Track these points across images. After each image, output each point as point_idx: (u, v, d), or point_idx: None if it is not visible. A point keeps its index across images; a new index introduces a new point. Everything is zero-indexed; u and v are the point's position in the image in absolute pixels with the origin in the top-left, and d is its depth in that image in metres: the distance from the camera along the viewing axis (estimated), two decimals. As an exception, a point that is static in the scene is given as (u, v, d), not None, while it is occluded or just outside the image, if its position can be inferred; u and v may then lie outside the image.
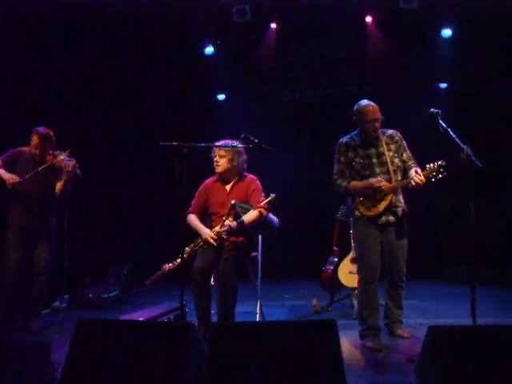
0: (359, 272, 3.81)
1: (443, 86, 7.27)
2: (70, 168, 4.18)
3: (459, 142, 3.10)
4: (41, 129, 4.30)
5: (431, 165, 3.47)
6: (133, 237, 6.46)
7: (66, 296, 5.35)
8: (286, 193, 6.20)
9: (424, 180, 3.46)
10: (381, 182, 3.63)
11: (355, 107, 3.80)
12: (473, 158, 2.98)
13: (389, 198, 3.67)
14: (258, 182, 4.08)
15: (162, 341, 2.38)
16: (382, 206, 3.68)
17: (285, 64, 7.34)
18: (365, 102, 3.80)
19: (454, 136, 3.17)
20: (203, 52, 7.02)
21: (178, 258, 3.85)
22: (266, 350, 2.35)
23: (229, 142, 3.87)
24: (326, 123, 7.13)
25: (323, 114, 7.26)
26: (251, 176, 4.11)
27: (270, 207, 3.98)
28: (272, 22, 6.83)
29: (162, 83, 6.85)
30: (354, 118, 3.79)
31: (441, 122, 3.31)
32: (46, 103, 5.44)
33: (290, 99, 7.46)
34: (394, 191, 3.68)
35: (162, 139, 3.33)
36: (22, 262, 4.31)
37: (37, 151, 4.26)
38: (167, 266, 3.89)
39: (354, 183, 3.74)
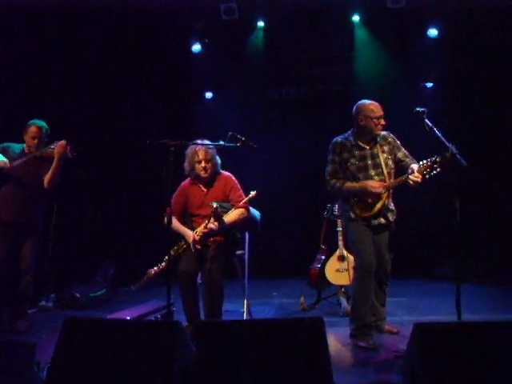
0: (356, 270, 3.80)
1: (429, 85, 7.32)
2: (60, 148, 4.10)
3: (444, 140, 3.13)
4: (37, 120, 4.30)
5: (424, 161, 3.48)
6: (119, 236, 6.41)
7: (52, 295, 5.32)
8: (274, 191, 6.27)
9: (420, 177, 3.47)
10: (377, 187, 3.62)
11: (357, 106, 3.78)
12: (458, 156, 3.01)
13: (384, 198, 3.68)
14: (234, 179, 4.03)
15: (149, 340, 2.37)
16: (376, 208, 3.69)
17: (272, 62, 7.32)
18: (367, 100, 3.79)
19: (439, 135, 3.19)
20: (190, 50, 6.98)
21: (162, 261, 3.83)
22: (253, 348, 2.35)
23: (207, 141, 3.83)
24: (313, 121, 7.17)
25: (311, 111, 7.28)
26: (226, 173, 4.05)
27: (250, 204, 3.98)
28: (259, 19, 6.78)
29: (149, 81, 6.81)
30: (356, 116, 3.75)
31: (426, 120, 3.34)
32: (31, 101, 5.37)
33: (277, 97, 7.46)
34: (389, 190, 3.70)
35: (149, 137, 3.32)
36: (6, 259, 4.24)
37: (34, 141, 4.22)
38: (152, 271, 3.87)
39: (350, 185, 3.71)
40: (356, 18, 6.70)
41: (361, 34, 6.92)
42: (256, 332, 2.41)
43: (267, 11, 6.75)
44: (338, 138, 3.86)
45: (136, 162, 6.61)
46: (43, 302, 5.19)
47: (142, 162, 6.42)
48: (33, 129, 4.25)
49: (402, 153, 3.84)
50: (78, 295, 5.23)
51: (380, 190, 3.63)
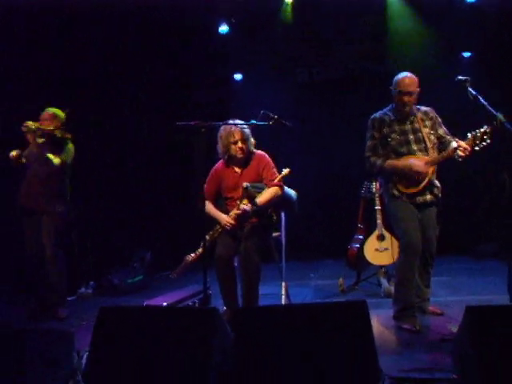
0: (401, 250, 3.65)
1: (467, 55, 6.98)
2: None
3: (491, 109, 2.93)
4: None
5: (474, 132, 3.29)
6: (154, 222, 6.41)
7: (91, 282, 5.38)
8: (308, 171, 6.12)
9: (469, 149, 3.29)
10: (421, 166, 3.47)
11: (394, 79, 3.66)
12: (507, 125, 2.81)
13: (430, 173, 3.52)
14: (268, 158, 3.91)
15: (186, 326, 2.31)
16: (422, 184, 3.53)
17: (302, 41, 7.12)
18: (404, 73, 3.64)
19: (485, 103, 3.00)
20: (218, 31, 6.84)
21: (199, 247, 3.78)
22: (294, 334, 2.27)
23: (239, 121, 3.73)
24: (345, 100, 6.95)
25: (344, 91, 7.06)
26: (259, 152, 3.93)
27: (284, 182, 3.85)
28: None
29: (176, 63, 6.73)
30: (391, 89, 3.65)
31: (470, 89, 3.16)
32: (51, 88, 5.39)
33: (307, 77, 7.26)
34: (436, 164, 3.53)
35: (178, 120, 3.24)
36: (32, 247, 4.28)
37: (45, 122, 4.20)
38: (190, 257, 3.82)
39: (392, 162, 3.57)
40: (388, -13, 6.40)
41: (394, 5, 6.64)
42: (296, 318, 2.32)
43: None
44: (377, 114, 3.75)
45: (167, 145, 6.56)
46: (82, 290, 5.26)
47: (173, 145, 6.37)
48: (46, 114, 4.26)
49: (442, 130, 3.70)
50: (116, 282, 5.28)
51: (425, 169, 3.47)
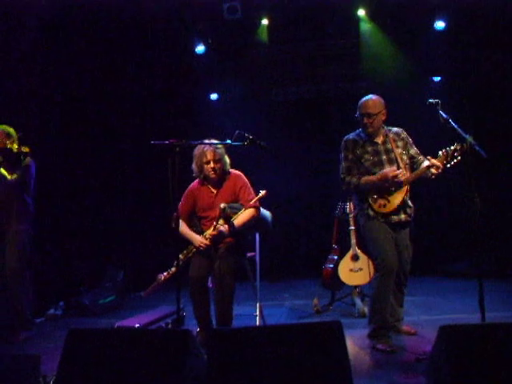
0: (377, 270, 3.65)
1: (437, 79, 7.17)
2: None
3: (461, 131, 3.00)
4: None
5: (445, 150, 3.37)
6: (127, 241, 6.32)
7: (60, 303, 5.24)
8: (282, 191, 6.14)
9: (441, 166, 3.36)
10: (396, 172, 3.50)
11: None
12: (477, 147, 2.88)
13: (403, 192, 3.57)
14: (244, 178, 3.90)
15: (158, 349, 2.26)
16: (396, 202, 3.57)
17: (277, 61, 7.20)
18: (367, 96, 3.73)
19: (455, 126, 3.07)
20: (194, 51, 6.88)
21: (172, 266, 3.72)
22: (269, 355, 2.23)
23: (215, 141, 3.73)
24: (320, 120, 7.05)
25: (317, 111, 7.16)
26: (235, 172, 3.92)
27: (261, 204, 3.85)
28: (263, 18, 6.66)
29: (152, 82, 6.72)
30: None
31: (441, 112, 3.22)
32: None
33: (282, 97, 7.34)
34: (409, 183, 3.58)
35: (153, 139, 3.22)
36: None
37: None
38: (162, 276, 3.76)
39: (367, 178, 3.60)
40: (361, 12, 6.55)
41: (366, 29, 6.79)
42: (271, 339, 2.29)
43: (270, 9, 6.63)
44: (350, 136, 3.80)
45: (141, 164, 6.51)
46: (51, 311, 5.12)
47: (148, 164, 6.32)
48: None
49: (414, 150, 3.77)
50: (86, 302, 5.14)
51: (401, 176, 3.50)
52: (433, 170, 3.39)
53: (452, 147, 3.31)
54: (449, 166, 3.33)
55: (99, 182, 6.17)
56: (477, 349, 2.00)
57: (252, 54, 6.99)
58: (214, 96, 7.45)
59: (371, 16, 6.62)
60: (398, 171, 3.51)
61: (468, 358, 1.98)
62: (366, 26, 6.75)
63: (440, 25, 6.59)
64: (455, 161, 3.30)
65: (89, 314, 5.08)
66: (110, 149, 6.27)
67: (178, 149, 3.05)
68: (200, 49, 6.89)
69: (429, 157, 3.46)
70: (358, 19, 6.68)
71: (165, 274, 3.72)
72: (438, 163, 3.36)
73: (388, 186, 3.55)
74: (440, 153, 3.39)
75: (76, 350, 2.35)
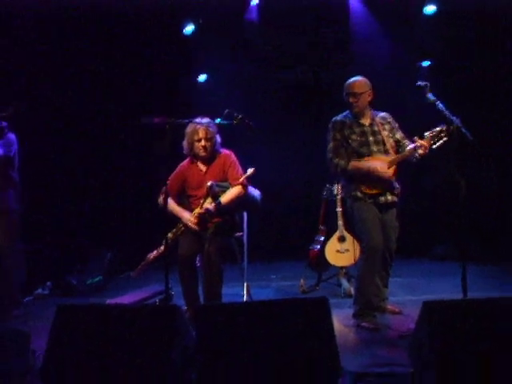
0: (363, 250, 3.74)
1: (426, 64, 7.17)
2: None
3: (449, 113, 3.04)
4: None
5: (431, 131, 3.41)
6: (115, 221, 6.30)
7: (48, 283, 5.24)
8: (271, 172, 6.14)
9: (427, 147, 3.41)
10: (384, 168, 3.57)
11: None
12: (463, 129, 2.92)
13: (391, 174, 3.61)
14: (234, 157, 3.92)
15: (147, 324, 2.29)
16: (384, 184, 3.63)
17: (269, 44, 7.15)
18: (353, 78, 3.80)
19: (443, 108, 3.11)
20: (183, 31, 6.79)
21: (161, 245, 3.75)
22: (256, 331, 2.28)
23: (207, 119, 3.74)
24: (310, 103, 7.03)
25: (307, 94, 7.14)
26: (226, 151, 3.94)
27: (249, 182, 3.87)
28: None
29: (142, 62, 6.64)
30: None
31: (429, 94, 3.26)
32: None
33: (275, 79, 7.29)
34: (395, 164, 3.62)
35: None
36: None
37: None
38: (151, 255, 3.80)
39: (355, 164, 3.65)
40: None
41: (357, 13, 6.76)
42: (258, 314, 2.33)
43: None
44: (337, 117, 3.85)
45: (129, 143, 6.46)
46: (39, 290, 5.12)
47: (136, 142, 6.28)
48: None
49: (400, 134, 3.83)
50: (74, 282, 5.16)
51: (387, 171, 3.57)
52: (419, 151, 3.45)
53: (438, 128, 3.36)
54: (435, 146, 3.38)
55: (86, 162, 6.13)
56: (459, 324, 2.06)
57: (243, 34, 6.93)
58: (202, 77, 7.39)
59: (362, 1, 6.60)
60: (385, 168, 3.56)
61: (450, 332, 2.04)
62: (356, 10, 6.74)
63: (430, 9, 6.60)
64: (441, 142, 3.35)
65: (76, 293, 5.09)
66: (96, 128, 6.22)
67: (167, 126, 3.05)
68: (189, 29, 6.82)
69: (415, 137, 3.51)
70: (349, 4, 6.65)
71: (154, 252, 3.75)
72: (425, 143, 3.41)
73: (372, 178, 3.61)
74: (426, 134, 3.44)
75: (65, 326, 2.37)
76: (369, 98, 3.74)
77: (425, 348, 2.07)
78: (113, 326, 2.31)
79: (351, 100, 3.70)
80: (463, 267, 2.93)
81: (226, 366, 2.18)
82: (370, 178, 3.62)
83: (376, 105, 3.93)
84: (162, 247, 3.69)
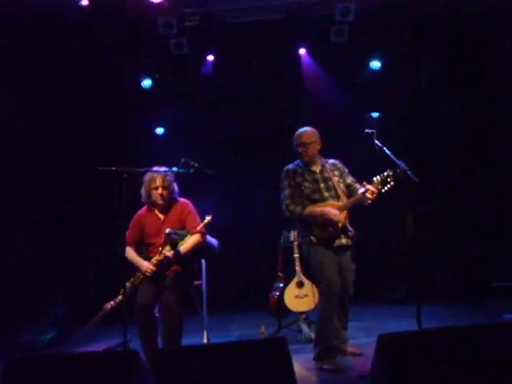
0: (321, 293, 3.81)
1: (375, 115, 7.53)
2: None
3: (395, 158, 3.22)
4: None
5: (378, 177, 3.60)
6: (71, 272, 6.13)
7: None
8: (227, 220, 6.19)
9: (376, 191, 3.58)
10: (337, 214, 3.69)
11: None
12: (409, 172, 3.10)
13: (343, 217, 3.74)
14: (191, 206, 3.99)
15: (105, 371, 2.24)
16: (337, 228, 3.74)
17: (223, 97, 7.37)
18: (302, 128, 3.98)
19: (389, 153, 3.30)
20: (141, 85, 6.95)
21: (119, 294, 3.70)
22: (216, 373, 2.26)
23: (165, 168, 3.82)
24: (265, 154, 7.19)
25: (263, 144, 7.33)
26: (183, 200, 4.01)
27: (207, 230, 3.92)
28: (209, 54, 6.86)
29: (100, 115, 6.71)
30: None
31: (376, 141, 3.45)
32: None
33: (228, 132, 7.48)
34: (347, 208, 3.76)
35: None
36: None
37: None
38: (109, 305, 3.74)
39: (310, 210, 3.77)
40: (302, 50, 6.88)
41: (308, 67, 7.11)
42: (217, 357, 2.32)
43: (217, 47, 6.86)
44: (289, 166, 4.01)
45: (86, 190, 6.40)
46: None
47: (93, 190, 6.24)
48: None
49: (350, 179, 4.00)
50: (26, 338, 4.95)
51: (339, 216, 3.71)
52: (368, 195, 3.61)
53: (385, 173, 3.56)
54: (383, 191, 3.56)
55: (42, 212, 6.02)
56: (414, 354, 2.12)
57: (197, 88, 7.14)
58: (160, 130, 7.51)
59: (313, 55, 6.96)
60: (338, 215, 3.70)
61: (406, 363, 2.10)
62: (308, 64, 7.09)
63: (376, 64, 7.03)
64: (389, 186, 3.54)
65: (28, 350, 4.88)
66: (54, 178, 6.17)
67: (125, 175, 3.09)
68: (147, 83, 6.99)
69: (364, 182, 3.68)
70: (300, 57, 7.00)
71: (111, 303, 3.69)
72: (373, 188, 3.58)
73: (327, 223, 3.73)
74: (374, 179, 3.63)
75: (17, 379, 2.29)
76: (318, 147, 3.94)
77: (383, 379, 2.11)
78: (69, 374, 2.25)
79: (301, 150, 3.88)
80: (418, 309, 3.03)
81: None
82: (324, 222, 3.73)
83: (327, 152, 4.12)
84: (120, 297, 3.64)
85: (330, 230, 3.74)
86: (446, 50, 6.36)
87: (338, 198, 3.82)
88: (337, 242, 3.79)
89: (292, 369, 2.29)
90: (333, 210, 3.71)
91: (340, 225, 3.72)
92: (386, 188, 3.54)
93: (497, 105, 6.36)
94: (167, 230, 3.69)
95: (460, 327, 2.27)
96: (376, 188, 3.57)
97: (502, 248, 5.43)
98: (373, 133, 3.52)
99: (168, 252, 3.69)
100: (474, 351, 2.14)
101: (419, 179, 3.08)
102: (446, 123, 6.61)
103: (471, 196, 6.41)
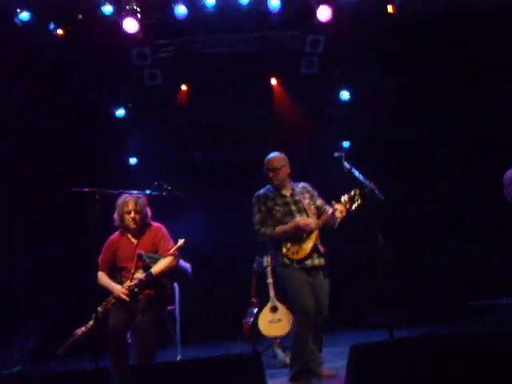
0: (295, 314, 3.83)
1: (346, 144, 7.71)
2: None
3: (363, 178, 3.33)
4: None
5: (346, 196, 3.71)
6: (40, 300, 5.96)
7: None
8: (201, 245, 6.16)
9: (344, 210, 3.68)
10: (308, 221, 3.78)
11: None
12: (376, 191, 3.21)
13: (313, 238, 3.81)
14: (164, 230, 4.00)
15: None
16: (308, 247, 3.80)
17: (196, 126, 7.44)
18: (272, 153, 4.11)
19: (357, 174, 3.41)
20: (114, 114, 6.99)
21: (90, 320, 3.65)
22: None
23: (136, 192, 3.84)
24: (238, 181, 7.25)
25: (234, 174, 7.38)
26: (156, 224, 4.02)
27: (180, 254, 3.93)
28: (183, 84, 6.97)
29: (73, 142, 6.69)
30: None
31: (345, 163, 3.57)
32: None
33: (202, 161, 7.53)
34: (318, 228, 3.83)
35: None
36: None
37: None
38: (80, 331, 3.67)
39: (280, 228, 3.85)
40: (274, 81, 7.06)
41: (279, 97, 7.29)
42: (190, 372, 2.31)
43: (190, 77, 6.98)
44: (260, 191, 4.11)
45: (58, 214, 6.31)
46: None
47: (64, 212, 6.16)
48: None
49: (320, 201, 4.11)
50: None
51: (311, 223, 3.78)
52: (337, 214, 3.71)
53: (352, 192, 3.69)
54: (352, 209, 3.66)
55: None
56: (386, 363, 2.16)
57: (173, 118, 7.21)
58: (133, 160, 7.49)
59: (283, 85, 7.14)
60: (308, 219, 3.78)
61: (378, 372, 2.13)
62: (279, 94, 7.28)
63: (345, 95, 7.24)
64: (356, 204, 3.65)
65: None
66: (23, 203, 6.08)
67: (98, 196, 3.10)
68: (120, 112, 7.03)
69: (333, 202, 3.78)
70: (271, 87, 7.17)
71: (82, 328, 3.62)
72: (342, 207, 3.68)
73: (301, 234, 3.80)
74: (342, 198, 3.75)
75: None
76: (287, 171, 4.07)
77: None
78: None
79: (271, 174, 4.00)
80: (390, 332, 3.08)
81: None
82: (296, 237, 3.79)
83: (298, 177, 4.23)
84: (91, 322, 3.59)
85: (304, 236, 3.78)
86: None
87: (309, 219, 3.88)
88: (309, 262, 3.84)
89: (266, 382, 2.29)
90: (302, 218, 3.80)
91: (312, 241, 3.77)
92: (354, 206, 3.65)
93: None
94: (139, 252, 3.69)
95: (433, 335, 2.32)
96: (344, 207, 3.68)
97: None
98: (341, 156, 3.65)
99: (140, 275, 3.67)
100: (447, 358, 2.19)
101: (385, 198, 3.19)
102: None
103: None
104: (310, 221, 3.80)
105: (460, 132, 6.61)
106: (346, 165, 3.56)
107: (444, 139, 6.69)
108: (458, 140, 6.61)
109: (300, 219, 3.80)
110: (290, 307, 4.49)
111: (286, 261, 3.84)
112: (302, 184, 4.17)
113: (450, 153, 6.71)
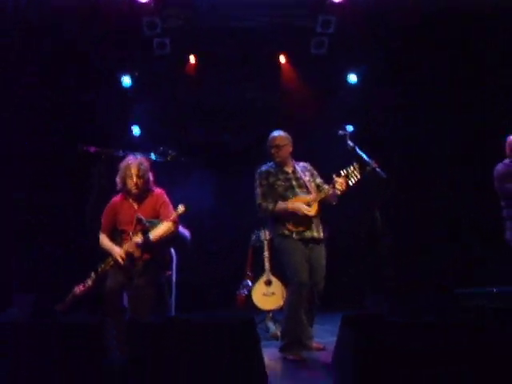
0: (290, 284, 3.90)
1: (350, 129, 7.67)
2: None
3: (365, 156, 3.37)
4: None
5: (345, 170, 3.76)
6: (40, 259, 6.00)
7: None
8: (200, 214, 6.18)
9: (344, 183, 3.74)
10: (307, 208, 3.83)
11: None
12: (378, 170, 3.24)
13: (314, 210, 3.86)
14: (166, 196, 4.02)
15: (76, 341, 2.27)
16: (308, 219, 3.87)
17: (204, 101, 7.39)
18: (275, 132, 4.14)
19: (360, 153, 3.44)
20: (121, 83, 6.95)
21: (88, 278, 3.70)
22: (186, 349, 2.32)
23: (140, 157, 3.87)
24: (238, 158, 7.23)
25: (240, 149, 7.37)
26: (159, 190, 4.04)
27: (180, 220, 3.97)
28: (191, 55, 6.93)
29: (76, 107, 6.67)
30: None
31: (349, 141, 3.61)
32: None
33: (203, 134, 7.50)
34: (318, 201, 3.89)
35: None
36: None
37: None
38: (78, 289, 3.72)
39: (281, 205, 3.91)
40: (282, 59, 7.01)
41: (287, 76, 7.25)
42: (188, 332, 2.37)
43: (198, 51, 6.94)
44: (262, 167, 4.17)
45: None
46: None
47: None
48: None
49: (319, 180, 4.18)
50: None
51: (311, 211, 3.83)
52: (338, 186, 3.77)
53: (351, 167, 3.75)
54: (351, 183, 3.71)
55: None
56: (377, 337, 2.21)
57: (180, 90, 7.17)
58: (136, 130, 7.46)
59: (292, 64, 7.10)
60: (309, 208, 3.84)
61: (367, 343, 2.18)
62: (286, 73, 7.23)
63: (353, 78, 7.22)
64: (356, 178, 3.71)
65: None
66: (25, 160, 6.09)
67: (103, 156, 3.13)
68: (126, 81, 7.00)
69: (333, 175, 3.83)
70: (279, 66, 7.13)
71: (80, 286, 3.68)
72: (342, 180, 3.76)
73: (298, 216, 3.86)
74: (342, 172, 3.81)
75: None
76: (290, 150, 4.13)
77: (345, 359, 2.19)
78: (41, 343, 2.26)
79: (273, 151, 4.07)
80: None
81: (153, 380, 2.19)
82: (295, 216, 3.85)
83: (301, 156, 4.27)
84: (90, 281, 3.65)
85: (302, 222, 3.86)
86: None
87: (309, 194, 3.98)
88: (308, 233, 3.90)
89: (260, 348, 2.36)
90: (302, 204, 3.85)
91: (312, 214, 3.83)
92: (353, 181, 3.70)
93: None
94: (138, 216, 3.72)
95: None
96: (344, 180, 3.74)
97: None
98: (346, 134, 3.68)
99: (139, 238, 3.72)
100: (438, 335, 2.24)
101: (388, 176, 3.23)
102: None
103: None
104: (311, 210, 3.83)
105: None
106: (350, 143, 3.59)
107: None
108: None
109: (301, 205, 3.84)
110: (284, 281, 4.56)
111: (286, 231, 3.90)
112: (302, 163, 4.25)
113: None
